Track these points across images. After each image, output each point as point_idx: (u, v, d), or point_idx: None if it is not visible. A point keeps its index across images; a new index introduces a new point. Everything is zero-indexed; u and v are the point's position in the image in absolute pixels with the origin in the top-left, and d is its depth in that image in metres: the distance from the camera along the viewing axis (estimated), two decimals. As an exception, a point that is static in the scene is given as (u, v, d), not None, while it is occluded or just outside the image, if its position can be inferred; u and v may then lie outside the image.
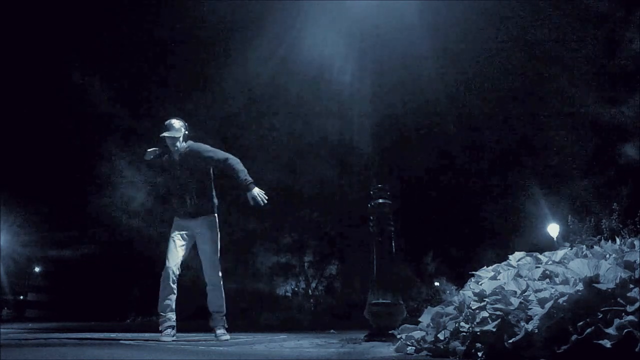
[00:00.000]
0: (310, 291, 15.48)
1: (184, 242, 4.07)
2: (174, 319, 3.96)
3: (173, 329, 3.94)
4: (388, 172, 4.11)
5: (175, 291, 3.97)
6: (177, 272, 3.99)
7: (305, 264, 15.98)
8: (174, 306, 3.96)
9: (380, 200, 3.94)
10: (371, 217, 3.95)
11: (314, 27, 9.57)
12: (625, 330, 1.80)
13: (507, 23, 12.24)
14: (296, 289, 15.54)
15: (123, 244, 16.47)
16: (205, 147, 4.14)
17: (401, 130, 12.81)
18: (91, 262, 18.28)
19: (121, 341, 3.92)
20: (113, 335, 5.00)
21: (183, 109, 13.69)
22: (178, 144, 4.09)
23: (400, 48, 9.76)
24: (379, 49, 4.33)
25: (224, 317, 4.11)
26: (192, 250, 4.25)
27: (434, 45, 11.34)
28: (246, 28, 13.14)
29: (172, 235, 4.08)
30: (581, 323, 1.90)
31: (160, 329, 3.95)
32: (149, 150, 4.23)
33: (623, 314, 1.88)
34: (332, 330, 5.91)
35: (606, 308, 1.93)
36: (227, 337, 4.04)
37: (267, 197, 3.93)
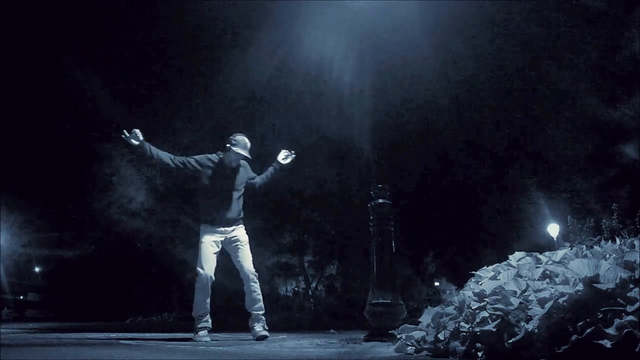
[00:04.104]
0: (310, 291, 15.48)
1: (217, 249, 4.24)
2: (210, 322, 4.14)
3: (208, 331, 4.10)
4: (388, 171, 4.11)
5: (210, 295, 4.15)
6: (213, 278, 4.16)
7: (305, 264, 15.96)
8: (209, 309, 4.14)
9: (380, 200, 3.94)
10: (371, 217, 3.95)
11: (314, 27, 9.57)
12: (625, 330, 1.81)
13: (507, 23, 12.23)
14: (296, 289, 15.53)
15: (123, 244, 16.43)
16: (249, 167, 4.51)
17: (401, 130, 12.78)
18: (91, 262, 18.24)
19: (121, 341, 3.93)
20: (113, 335, 5.01)
21: (183, 109, 13.68)
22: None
23: (400, 48, 9.76)
24: (379, 49, 4.33)
25: (264, 317, 4.27)
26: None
27: (434, 45, 11.32)
28: (246, 28, 13.12)
29: (205, 242, 4.22)
30: (581, 323, 1.90)
31: (196, 330, 4.07)
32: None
33: (623, 314, 1.88)
34: (332, 330, 5.90)
35: (606, 308, 1.93)
36: (266, 333, 4.14)
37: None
